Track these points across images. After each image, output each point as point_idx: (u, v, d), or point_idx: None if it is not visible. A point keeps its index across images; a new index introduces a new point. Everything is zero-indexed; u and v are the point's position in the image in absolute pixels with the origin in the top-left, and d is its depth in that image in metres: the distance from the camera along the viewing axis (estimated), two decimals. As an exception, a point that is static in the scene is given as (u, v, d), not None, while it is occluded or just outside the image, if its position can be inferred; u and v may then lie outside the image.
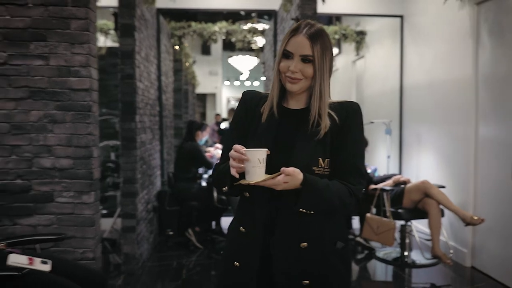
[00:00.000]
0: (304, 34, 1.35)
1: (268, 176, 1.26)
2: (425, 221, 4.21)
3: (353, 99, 7.30)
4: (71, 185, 2.64)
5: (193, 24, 6.60)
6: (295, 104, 1.44)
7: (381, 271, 4.25)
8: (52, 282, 1.94)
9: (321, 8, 4.45)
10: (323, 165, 1.35)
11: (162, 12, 5.41)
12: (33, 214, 2.63)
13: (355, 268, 4.24)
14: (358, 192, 1.37)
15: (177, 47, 7.00)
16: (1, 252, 2.05)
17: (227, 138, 1.51)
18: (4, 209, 2.62)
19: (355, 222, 5.16)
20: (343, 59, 7.81)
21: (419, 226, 4.82)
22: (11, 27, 2.57)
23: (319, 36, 1.35)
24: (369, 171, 4.99)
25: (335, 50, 7.33)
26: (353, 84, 7.39)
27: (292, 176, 1.25)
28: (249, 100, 1.48)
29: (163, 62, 5.57)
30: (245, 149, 1.26)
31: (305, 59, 1.35)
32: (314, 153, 1.35)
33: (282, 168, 1.25)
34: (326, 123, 1.35)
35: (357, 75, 7.27)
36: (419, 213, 4.14)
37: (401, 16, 5.47)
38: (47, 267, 2.00)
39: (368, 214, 4.24)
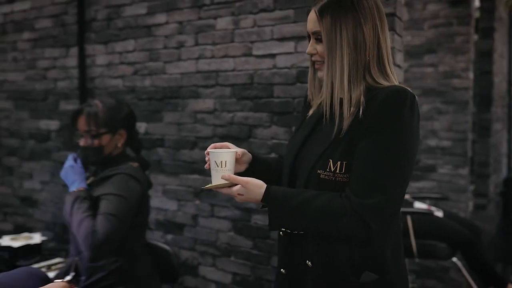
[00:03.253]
0: (315, 6, 1.07)
1: (223, 182, 1.04)
2: None
3: None
4: (450, 160, 3.51)
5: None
6: None
7: None
8: (448, 225, 2.81)
9: None
10: (333, 169, 1.04)
11: (516, 7, 5.65)
12: (420, 180, 3.63)
13: None
14: (363, 209, 0.99)
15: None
16: (408, 201, 3.08)
17: None
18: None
19: None
20: None
21: None
22: (411, 44, 3.62)
23: (333, 6, 1.04)
24: None
25: None
26: None
27: (246, 188, 1.02)
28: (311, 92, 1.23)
29: (512, 54, 5.82)
30: (210, 149, 1.10)
31: (317, 37, 1.08)
32: (324, 153, 1.06)
33: (228, 175, 1.04)
34: (341, 117, 1.05)
35: None
36: None
37: None
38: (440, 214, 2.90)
39: None
